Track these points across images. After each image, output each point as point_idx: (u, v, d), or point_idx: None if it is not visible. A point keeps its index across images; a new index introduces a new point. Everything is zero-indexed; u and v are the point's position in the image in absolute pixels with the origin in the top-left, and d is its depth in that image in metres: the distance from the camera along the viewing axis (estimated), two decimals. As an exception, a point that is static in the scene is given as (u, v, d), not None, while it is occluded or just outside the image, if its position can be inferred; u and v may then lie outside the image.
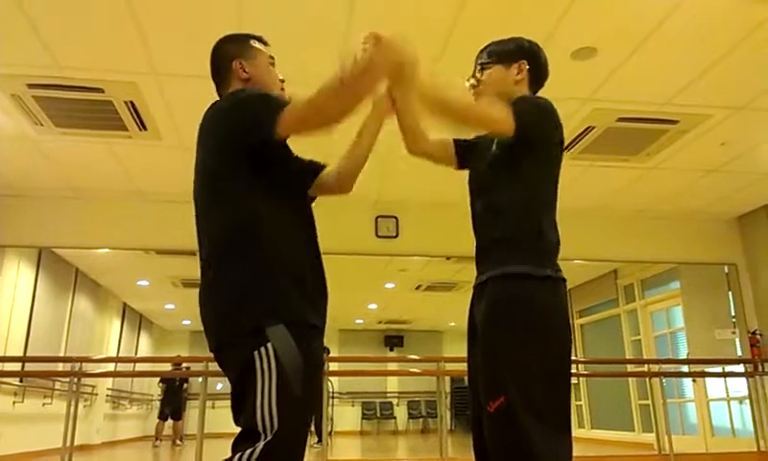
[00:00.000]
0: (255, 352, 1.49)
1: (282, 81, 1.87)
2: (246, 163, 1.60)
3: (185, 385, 11.01)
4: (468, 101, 1.83)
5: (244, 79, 1.78)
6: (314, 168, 1.86)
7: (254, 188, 1.61)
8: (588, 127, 4.75)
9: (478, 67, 1.91)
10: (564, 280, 1.70)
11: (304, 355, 1.52)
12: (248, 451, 1.43)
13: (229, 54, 1.82)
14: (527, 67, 1.85)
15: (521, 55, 1.86)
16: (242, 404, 1.51)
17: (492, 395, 1.59)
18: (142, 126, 4.66)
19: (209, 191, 1.65)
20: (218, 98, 1.81)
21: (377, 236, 6.38)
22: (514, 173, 1.73)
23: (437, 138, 1.93)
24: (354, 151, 1.86)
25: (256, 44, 1.85)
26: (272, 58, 1.87)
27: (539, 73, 1.89)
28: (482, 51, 1.93)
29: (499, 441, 1.58)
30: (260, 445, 1.43)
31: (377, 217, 6.38)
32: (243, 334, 1.52)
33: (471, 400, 1.75)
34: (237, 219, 1.60)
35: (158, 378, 11.02)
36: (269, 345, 1.49)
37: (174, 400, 10.55)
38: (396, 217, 6.42)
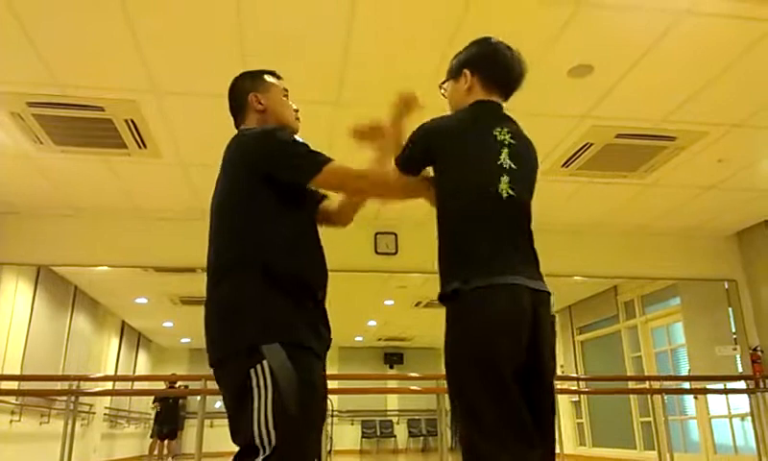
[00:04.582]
0: (252, 370, 1.51)
1: (296, 110, 1.97)
2: (267, 193, 1.69)
3: (181, 403, 10.92)
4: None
5: (259, 110, 1.89)
6: (317, 197, 1.95)
7: (269, 213, 1.69)
8: (587, 143, 4.76)
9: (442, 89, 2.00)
10: (482, 288, 1.61)
11: (300, 375, 1.53)
12: None
13: (245, 88, 1.92)
14: (471, 74, 1.88)
15: (464, 63, 1.91)
16: (239, 422, 1.52)
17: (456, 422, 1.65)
18: (142, 144, 4.67)
19: (224, 211, 1.73)
20: (235, 128, 1.92)
21: (377, 253, 6.37)
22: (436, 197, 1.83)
23: None
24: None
25: (270, 78, 1.95)
26: (286, 90, 1.97)
27: (491, 72, 1.88)
28: None
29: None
30: (259, 460, 1.45)
31: (376, 234, 6.38)
32: (239, 351, 1.55)
33: None
34: (245, 240, 1.66)
35: (153, 398, 10.93)
36: (264, 362, 1.51)
37: (170, 419, 10.47)
38: (395, 234, 6.41)
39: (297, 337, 1.59)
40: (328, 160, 1.71)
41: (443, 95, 1.99)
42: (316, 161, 1.71)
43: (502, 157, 1.75)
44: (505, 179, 1.73)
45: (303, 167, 1.71)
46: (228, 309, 1.61)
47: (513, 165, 1.75)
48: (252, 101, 1.88)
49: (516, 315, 1.60)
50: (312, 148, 1.74)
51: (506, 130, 1.80)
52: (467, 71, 1.88)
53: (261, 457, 1.45)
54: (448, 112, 1.93)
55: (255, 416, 1.48)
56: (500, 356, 1.57)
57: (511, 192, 1.72)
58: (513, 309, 1.60)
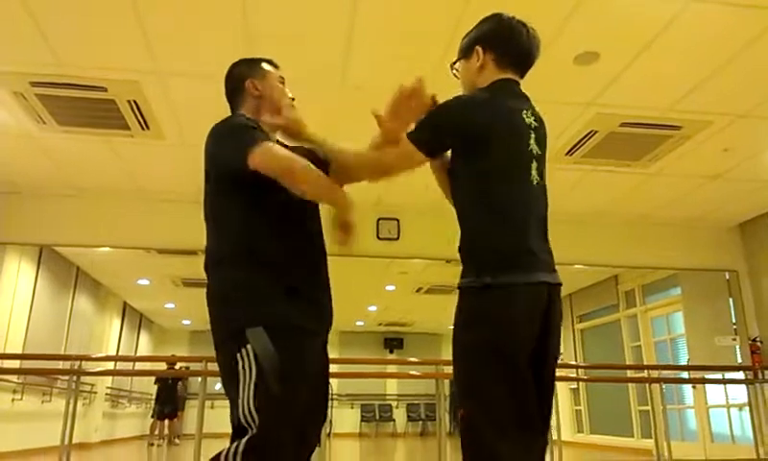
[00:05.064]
0: (238, 354, 1.58)
1: (293, 99, 1.97)
2: (242, 181, 1.66)
3: (179, 384, 10.99)
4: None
5: (256, 96, 1.90)
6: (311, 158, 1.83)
7: (249, 200, 1.69)
8: (591, 131, 4.74)
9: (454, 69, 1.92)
10: (514, 285, 1.58)
11: (284, 355, 1.57)
12: (234, 445, 1.53)
13: (242, 75, 1.93)
14: (483, 52, 1.80)
15: (476, 41, 1.83)
16: (231, 403, 1.60)
17: (459, 405, 1.63)
18: (145, 125, 4.66)
19: (206, 204, 1.78)
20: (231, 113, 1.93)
21: (378, 238, 6.37)
22: (456, 183, 1.76)
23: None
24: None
25: (267, 66, 1.96)
26: (282, 78, 1.97)
27: (504, 48, 1.80)
28: None
29: (464, 448, 1.60)
30: (244, 439, 1.52)
31: (379, 219, 6.37)
32: (229, 336, 1.62)
33: None
34: (229, 231, 1.71)
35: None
36: (248, 346, 1.57)
37: (170, 399, 10.55)
38: (397, 219, 6.41)
39: (281, 319, 1.62)
40: (256, 141, 1.62)
41: (454, 76, 1.91)
42: (242, 145, 1.62)
43: (531, 142, 1.70)
44: (534, 165, 1.70)
45: (234, 153, 1.63)
46: (220, 297, 1.68)
47: (539, 150, 1.72)
48: (248, 87, 1.89)
49: (537, 312, 1.61)
50: (252, 133, 1.67)
51: (530, 112, 1.74)
52: (479, 48, 1.81)
53: (246, 437, 1.52)
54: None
55: (241, 397, 1.54)
56: (521, 352, 1.58)
57: (538, 179, 1.70)
58: (535, 307, 1.61)
